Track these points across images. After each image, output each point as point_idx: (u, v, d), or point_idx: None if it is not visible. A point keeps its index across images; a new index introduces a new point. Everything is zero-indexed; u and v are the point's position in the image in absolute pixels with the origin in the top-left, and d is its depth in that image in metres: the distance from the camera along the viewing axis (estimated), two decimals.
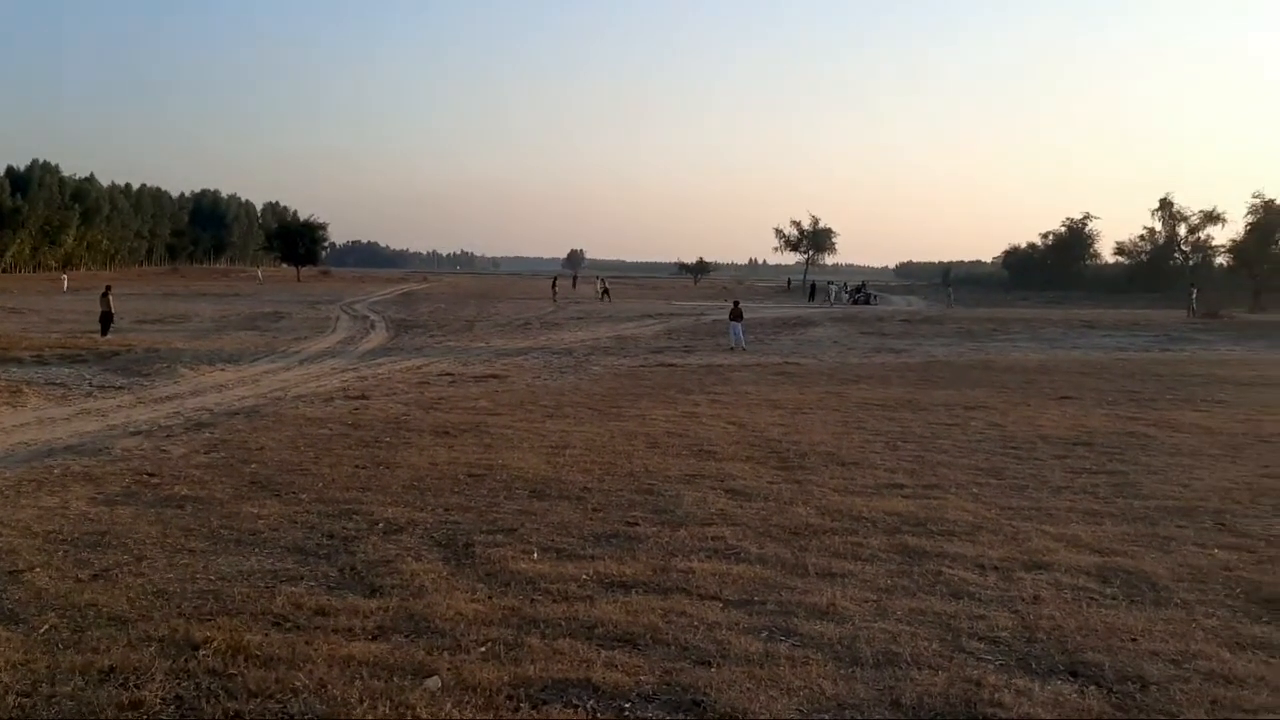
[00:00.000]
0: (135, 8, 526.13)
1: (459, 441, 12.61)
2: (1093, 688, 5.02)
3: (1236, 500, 9.46)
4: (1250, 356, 30.64)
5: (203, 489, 9.52)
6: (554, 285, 71.37)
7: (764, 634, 5.64)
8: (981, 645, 5.52)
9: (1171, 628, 5.83)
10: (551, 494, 9.29)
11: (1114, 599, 6.40)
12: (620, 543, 7.54)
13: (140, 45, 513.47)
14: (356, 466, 10.63)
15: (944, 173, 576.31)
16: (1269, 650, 5.51)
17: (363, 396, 18.03)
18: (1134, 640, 5.61)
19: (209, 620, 5.72)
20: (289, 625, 5.69)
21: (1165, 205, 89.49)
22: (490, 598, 6.16)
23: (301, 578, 6.67)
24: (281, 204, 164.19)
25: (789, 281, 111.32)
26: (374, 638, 5.50)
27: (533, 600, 6.14)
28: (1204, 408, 17.63)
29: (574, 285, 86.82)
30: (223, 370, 22.90)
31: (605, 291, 64.84)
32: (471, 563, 6.99)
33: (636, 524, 8.11)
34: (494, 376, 22.24)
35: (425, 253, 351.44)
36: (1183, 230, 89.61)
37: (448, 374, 22.78)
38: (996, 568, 7.02)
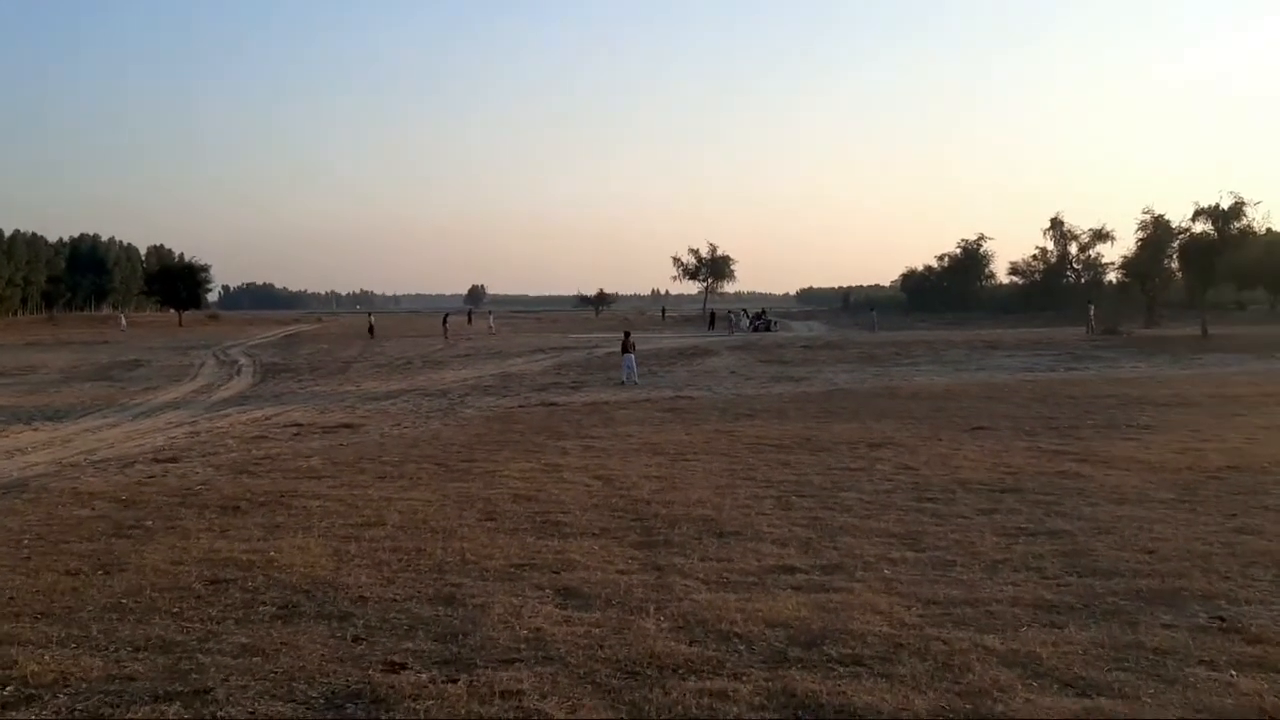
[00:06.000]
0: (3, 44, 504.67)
1: (241, 522, 9.90)
2: None
3: (1224, 574, 7.24)
4: (1158, 374, 29.59)
5: None
6: (444, 322, 68.21)
7: None
8: None
9: None
10: (308, 610, 6.63)
11: None
12: (359, 711, 4.95)
13: (9, 83, 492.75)
14: (66, 572, 7.82)
15: (841, 199, 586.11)
16: None
17: (173, 459, 15.25)
18: None
19: None
20: None
21: (1056, 224, 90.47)
22: None
23: None
24: (167, 247, 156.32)
25: (663, 311, 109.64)
26: None
27: None
28: (1132, 435, 15.84)
29: (469, 321, 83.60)
30: (35, 430, 19.91)
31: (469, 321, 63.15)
32: None
33: (403, 667, 5.50)
34: (347, 426, 19.63)
35: (324, 293, 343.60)
36: (1074, 249, 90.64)
37: (296, 424, 20.11)
38: None
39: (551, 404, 23.34)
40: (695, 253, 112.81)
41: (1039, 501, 10.32)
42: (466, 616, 6.42)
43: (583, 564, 7.81)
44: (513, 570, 7.66)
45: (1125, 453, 13.78)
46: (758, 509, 10.17)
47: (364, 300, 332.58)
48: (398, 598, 6.90)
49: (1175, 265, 68.45)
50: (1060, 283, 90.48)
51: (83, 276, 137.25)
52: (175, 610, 6.68)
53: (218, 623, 6.39)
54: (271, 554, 8.26)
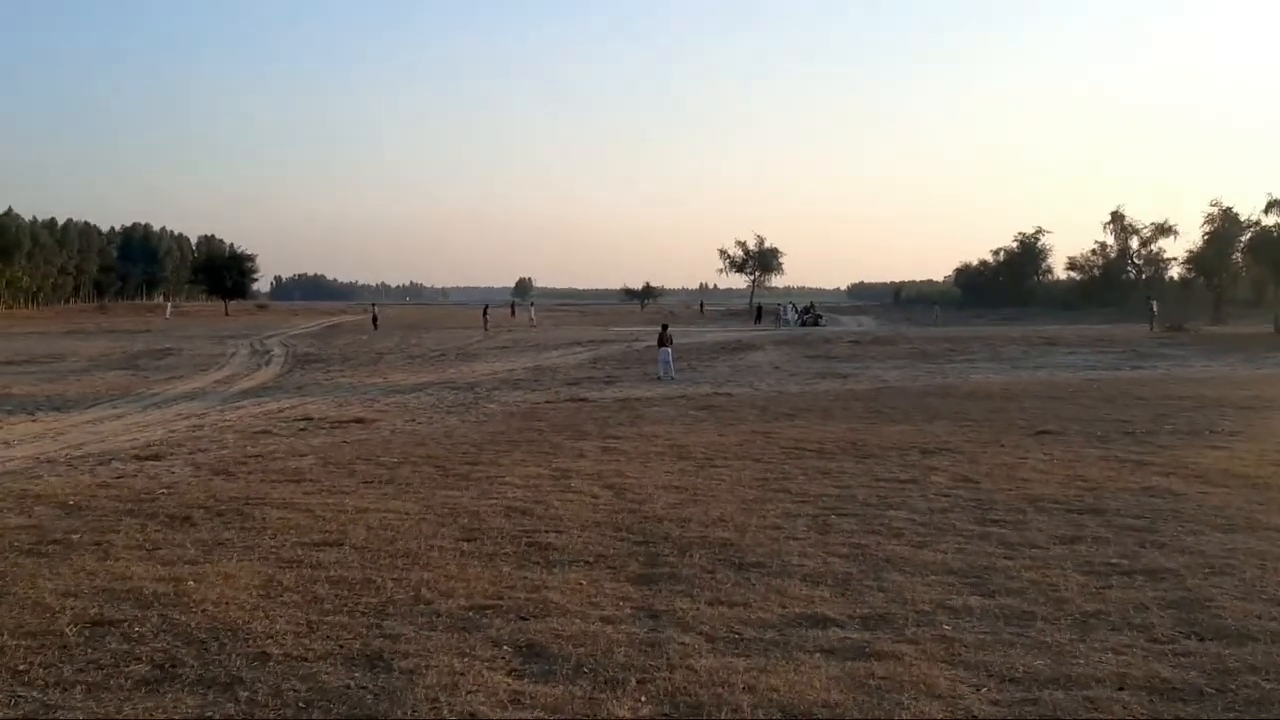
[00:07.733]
0: (61, 33, 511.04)
1: (180, 538, 8.45)
2: None
3: None
4: (1231, 374, 27.39)
5: None
6: (484, 314, 67.30)
7: None
8: None
9: None
10: (187, 673, 5.10)
11: None
12: None
13: (67, 71, 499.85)
14: None
15: (894, 193, 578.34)
16: None
17: (155, 456, 14.05)
18: None
19: None
20: None
21: (1117, 218, 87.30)
22: None
23: None
24: (218, 237, 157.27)
25: (701, 305, 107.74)
26: None
27: None
28: (1219, 443, 13.97)
29: (512, 313, 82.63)
30: (34, 421, 18.97)
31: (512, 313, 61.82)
32: None
33: None
34: (359, 421, 18.41)
35: (375, 284, 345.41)
36: (1134, 243, 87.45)
37: (307, 418, 18.94)
38: None
39: (580, 399, 21.94)
40: (742, 245, 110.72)
41: (1129, 526, 8.57)
42: (386, 689, 4.85)
43: (560, 607, 6.22)
44: (471, 615, 6.09)
45: (1216, 464, 11.96)
46: (789, 531, 8.54)
47: (413, 291, 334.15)
48: (309, 655, 5.35)
49: (1242, 260, 65.64)
50: (1120, 278, 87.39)
51: (134, 265, 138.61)
52: (22, 667, 5.20)
53: (64, 689, 4.90)
54: (189, 583, 6.79)
